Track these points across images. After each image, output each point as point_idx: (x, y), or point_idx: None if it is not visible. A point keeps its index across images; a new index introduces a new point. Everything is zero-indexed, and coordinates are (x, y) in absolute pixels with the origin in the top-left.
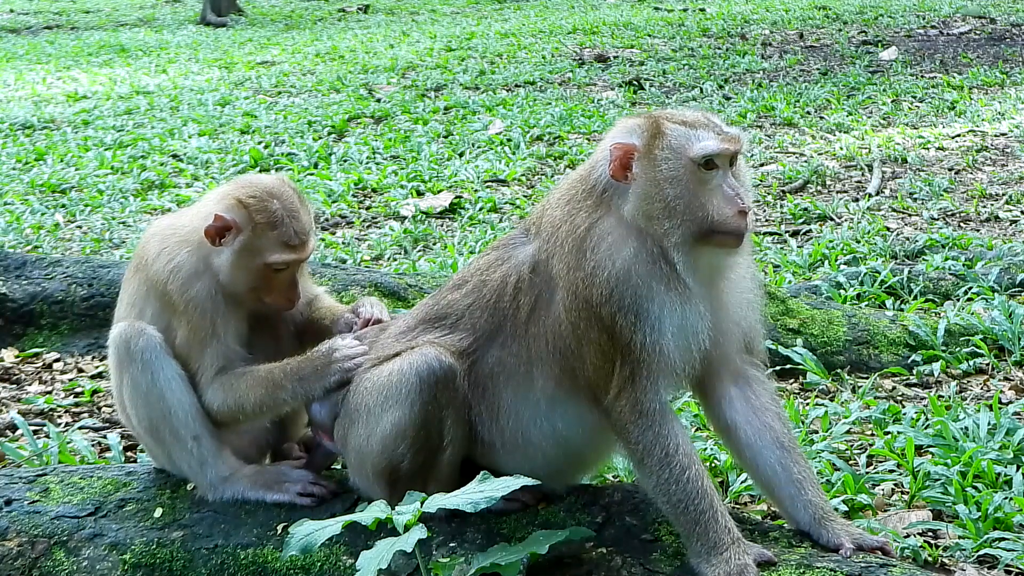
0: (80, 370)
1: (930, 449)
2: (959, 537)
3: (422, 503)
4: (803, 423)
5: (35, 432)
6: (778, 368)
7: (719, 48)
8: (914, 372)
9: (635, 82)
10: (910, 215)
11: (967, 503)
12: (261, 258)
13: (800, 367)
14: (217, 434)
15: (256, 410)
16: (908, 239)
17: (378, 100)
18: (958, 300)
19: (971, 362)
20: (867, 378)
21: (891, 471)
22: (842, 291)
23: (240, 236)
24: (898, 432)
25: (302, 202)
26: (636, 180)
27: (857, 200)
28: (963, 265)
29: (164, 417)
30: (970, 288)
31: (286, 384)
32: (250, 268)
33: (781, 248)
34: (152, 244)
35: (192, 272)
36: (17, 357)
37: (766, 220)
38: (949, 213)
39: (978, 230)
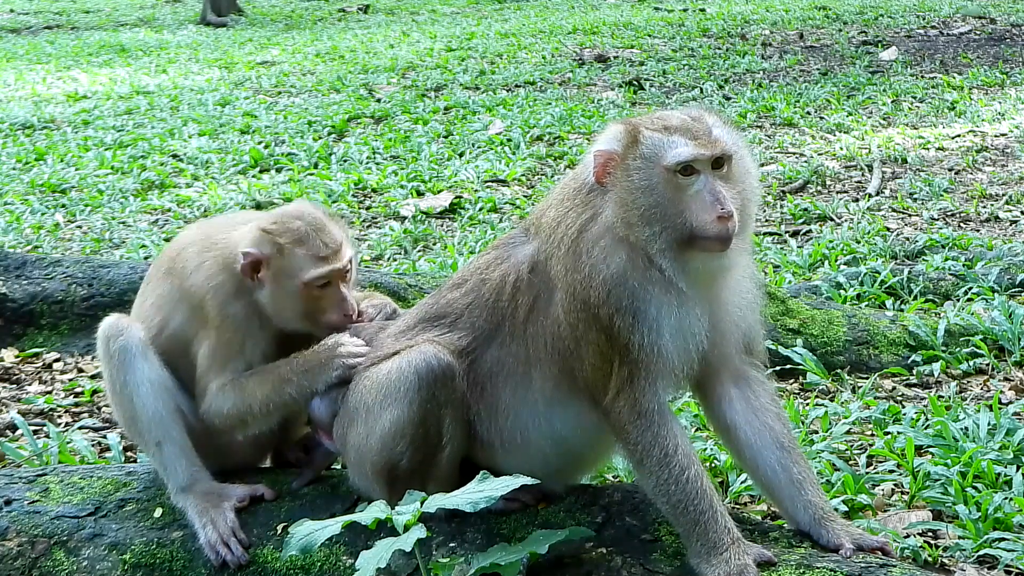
0: (80, 370)
1: (930, 449)
2: (959, 537)
3: (422, 503)
4: (803, 423)
5: (35, 432)
6: (778, 368)
7: (719, 48)
8: (914, 372)
9: (635, 82)
10: (910, 215)
11: (967, 503)
12: (298, 278)
13: (800, 367)
14: (183, 442)
15: (263, 409)
16: (908, 239)
17: (378, 100)
18: (958, 300)
19: (971, 362)
20: (867, 378)
21: (891, 471)
22: (842, 291)
23: (271, 264)
24: (898, 432)
25: (328, 217)
26: (614, 188)
27: (857, 200)
28: (963, 265)
29: (132, 418)
30: (970, 288)
31: (292, 378)
32: (291, 293)
33: (781, 248)
34: (189, 255)
35: (232, 292)
36: (17, 357)
37: (766, 220)
38: (949, 213)
39: (978, 230)
